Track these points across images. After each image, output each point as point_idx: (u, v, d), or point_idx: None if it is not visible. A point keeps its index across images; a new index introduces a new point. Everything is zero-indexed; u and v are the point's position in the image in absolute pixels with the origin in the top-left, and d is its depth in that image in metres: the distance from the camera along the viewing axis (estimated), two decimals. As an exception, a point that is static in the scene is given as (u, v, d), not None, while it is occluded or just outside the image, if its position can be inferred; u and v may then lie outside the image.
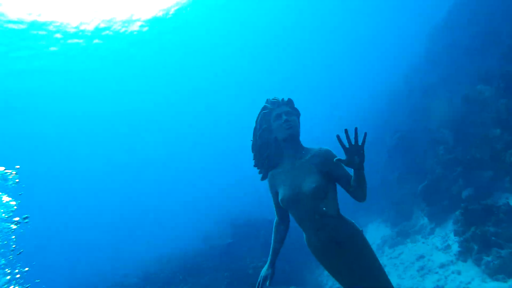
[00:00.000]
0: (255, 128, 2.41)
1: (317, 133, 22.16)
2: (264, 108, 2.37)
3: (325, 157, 2.16)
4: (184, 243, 13.34)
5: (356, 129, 1.87)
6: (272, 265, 2.42)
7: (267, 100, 2.37)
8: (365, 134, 1.85)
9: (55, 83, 18.06)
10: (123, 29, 16.40)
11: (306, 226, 2.23)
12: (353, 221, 2.22)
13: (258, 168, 2.47)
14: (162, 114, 26.81)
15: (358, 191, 2.04)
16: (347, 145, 1.87)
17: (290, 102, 2.36)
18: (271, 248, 2.50)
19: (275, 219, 2.52)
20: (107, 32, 16.03)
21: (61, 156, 26.02)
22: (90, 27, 15.20)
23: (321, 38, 25.32)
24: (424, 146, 9.42)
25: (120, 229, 27.31)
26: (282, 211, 2.44)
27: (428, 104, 10.26)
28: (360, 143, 1.86)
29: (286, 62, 27.00)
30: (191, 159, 33.16)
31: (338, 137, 1.90)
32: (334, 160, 1.97)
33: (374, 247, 8.38)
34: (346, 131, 1.84)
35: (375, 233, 9.34)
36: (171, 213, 28.14)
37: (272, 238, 2.52)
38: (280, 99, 2.35)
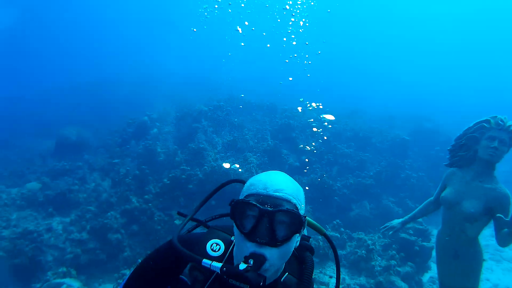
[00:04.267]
0: (468, 127, 2.55)
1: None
2: (486, 121, 2.44)
3: (499, 199, 2.35)
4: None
5: None
6: (404, 224, 2.86)
7: (495, 116, 2.42)
8: None
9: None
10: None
11: (446, 226, 2.60)
12: (482, 252, 2.52)
13: (449, 155, 2.71)
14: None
15: (503, 239, 2.29)
16: None
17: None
18: (413, 212, 2.90)
19: (432, 197, 2.83)
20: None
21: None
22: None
23: None
24: None
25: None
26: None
27: None
28: None
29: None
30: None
31: None
32: (497, 215, 2.25)
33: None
34: None
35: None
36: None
37: (420, 207, 2.87)
38: (507, 124, 2.37)
